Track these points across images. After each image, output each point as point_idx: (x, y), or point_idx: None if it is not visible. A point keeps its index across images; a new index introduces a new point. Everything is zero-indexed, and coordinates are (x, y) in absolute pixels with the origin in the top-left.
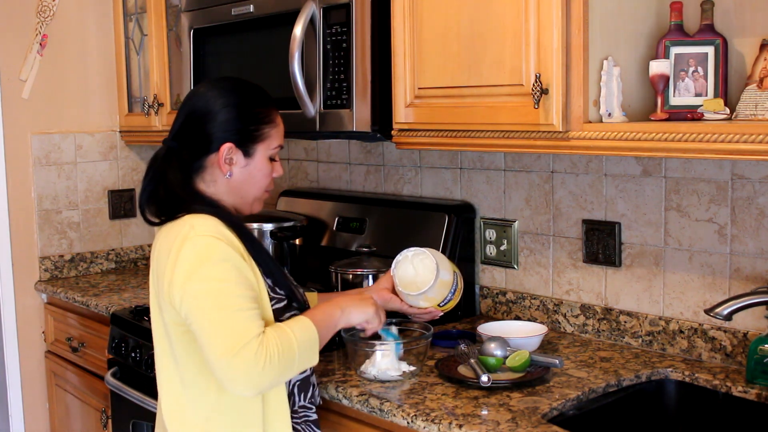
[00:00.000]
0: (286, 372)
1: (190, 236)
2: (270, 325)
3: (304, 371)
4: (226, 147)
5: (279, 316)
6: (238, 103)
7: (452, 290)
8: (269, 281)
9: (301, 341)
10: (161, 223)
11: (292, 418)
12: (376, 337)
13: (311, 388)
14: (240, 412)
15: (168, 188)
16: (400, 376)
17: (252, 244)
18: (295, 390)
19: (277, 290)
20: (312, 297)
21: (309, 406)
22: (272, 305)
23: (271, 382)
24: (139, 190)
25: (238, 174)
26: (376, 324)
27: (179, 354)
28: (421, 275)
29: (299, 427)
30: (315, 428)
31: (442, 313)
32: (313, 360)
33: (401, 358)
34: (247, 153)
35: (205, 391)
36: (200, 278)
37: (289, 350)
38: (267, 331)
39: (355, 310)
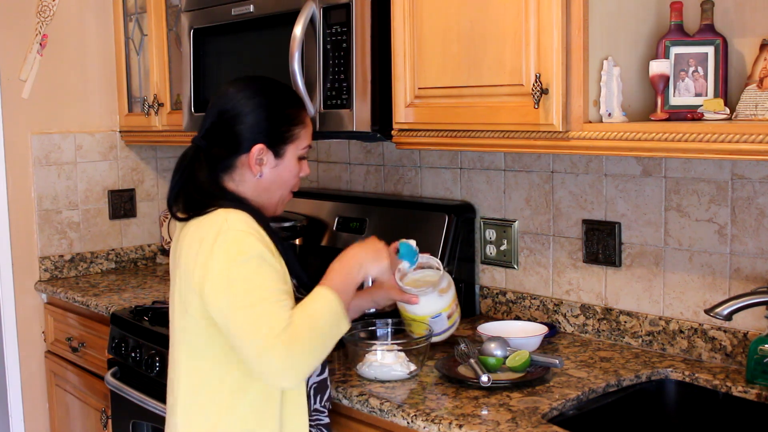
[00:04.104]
0: (321, 350)
1: (224, 230)
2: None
3: (322, 373)
4: (258, 148)
5: None
6: (270, 104)
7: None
8: (294, 281)
9: (326, 316)
10: (188, 219)
11: None
12: (375, 337)
13: (327, 391)
14: (256, 412)
15: (197, 185)
16: (400, 375)
17: (281, 244)
18: (311, 392)
19: (303, 291)
20: None
21: (322, 409)
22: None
23: (311, 364)
24: (168, 187)
25: (268, 174)
26: (387, 277)
27: (199, 349)
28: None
29: (312, 431)
30: None
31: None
32: (344, 327)
33: (400, 359)
34: (277, 154)
35: (220, 390)
36: (233, 275)
37: (317, 329)
38: (293, 317)
39: (372, 265)
